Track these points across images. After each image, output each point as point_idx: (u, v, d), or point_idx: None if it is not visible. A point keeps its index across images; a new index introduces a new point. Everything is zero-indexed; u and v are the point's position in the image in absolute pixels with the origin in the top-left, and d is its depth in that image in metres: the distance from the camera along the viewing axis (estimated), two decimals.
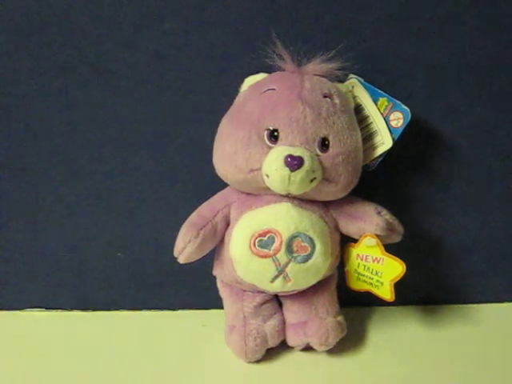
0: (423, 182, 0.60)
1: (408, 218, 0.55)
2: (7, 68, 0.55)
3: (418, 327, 0.59)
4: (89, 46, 0.55)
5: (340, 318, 0.55)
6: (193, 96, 0.56)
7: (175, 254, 0.52)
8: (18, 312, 0.62)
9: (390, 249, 0.52)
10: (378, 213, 0.53)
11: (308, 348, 0.54)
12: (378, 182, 0.57)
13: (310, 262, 0.51)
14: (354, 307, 0.60)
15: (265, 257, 0.50)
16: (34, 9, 0.53)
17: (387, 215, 0.53)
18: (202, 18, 0.54)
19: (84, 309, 0.62)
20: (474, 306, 0.62)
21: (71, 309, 0.62)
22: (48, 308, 0.62)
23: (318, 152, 0.48)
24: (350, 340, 0.56)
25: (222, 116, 0.52)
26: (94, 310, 0.62)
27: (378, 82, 0.53)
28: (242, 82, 0.52)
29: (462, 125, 0.58)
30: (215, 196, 0.54)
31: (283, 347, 0.55)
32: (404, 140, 0.53)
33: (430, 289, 0.63)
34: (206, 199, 0.54)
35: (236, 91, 0.52)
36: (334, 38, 0.52)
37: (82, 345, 0.56)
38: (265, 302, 0.55)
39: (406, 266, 0.51)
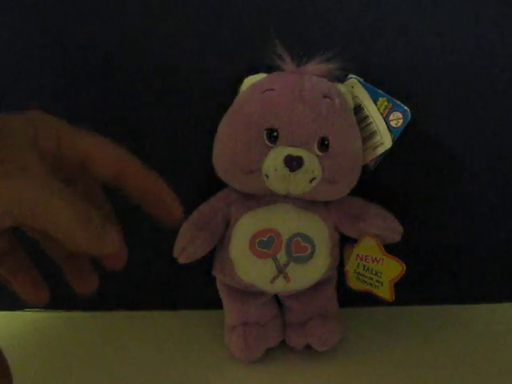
0: (423, 182, 0.59)
1: (408, 218, 0.55)
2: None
3: (418, 327, 0.59)
4: (88, 46, 0.55)
5: (340, 318, 0.55)
6: (192, 96, 0.56)
7: (175, 253, 0.52)
8: (18, 312, 0.61)
9: (390, 249, 0.52)
10: (378, 213, 0.53)
11: (308, 348, 0.54)
12: (377, 182, 0.57)
13: (310, 262, 0.51)
14: (354, 307, 0.60)
15: (265, 257, 0.50)
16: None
17: (387, 215, 0.54)
18: (202, 17, 0.53)
19: (84, 309, 0.62)
20: (474, 306, 0.62)
21: (71, 309, 0.62)
22: (48, 308, 0.62)
23: (318, 152, 0.48)
24: (350, 340, 0.56)
25: (222, 116, 0.52)
26: (93, 310, 0.62)
27: (377, 82, 0.52)
28: (241, 82, 0.52)
29: (462, 125, 0.57)
30: (215, 196, 0.54)
31: (283, 347, 0.55)
32: (404, 140, 0.53)
33: (429, 289, 0.63)
34: (206, 199, 0.54)
35: (236, 91, 0.52)
36: (334, 38, 0.53)
37: (81, 345, 0.56)
38: (265, 302, 0.55)
39: (406, 266, 0.51)
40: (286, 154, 0.47)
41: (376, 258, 0.52)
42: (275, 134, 0.48)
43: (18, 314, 0.61)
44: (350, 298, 0.56)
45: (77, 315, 0.61)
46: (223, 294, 0.56)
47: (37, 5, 0.53)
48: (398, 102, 0.52)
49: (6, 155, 0.26)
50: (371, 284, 0.54)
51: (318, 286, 0.54)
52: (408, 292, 0.56)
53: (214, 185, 0.54)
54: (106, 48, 0.55)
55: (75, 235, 0.27)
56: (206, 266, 0.56)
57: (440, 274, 0.63)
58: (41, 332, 0.59)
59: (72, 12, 0.53)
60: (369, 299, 0.55)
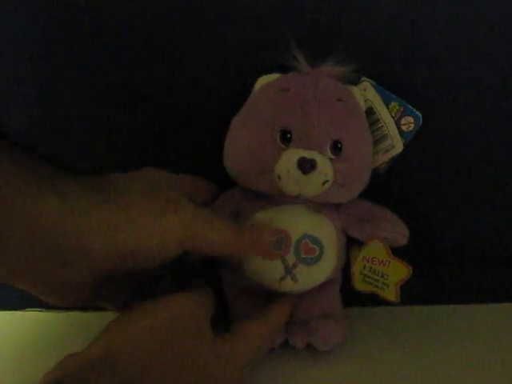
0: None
1: (413, 221, 0.55)
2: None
3: (419, 327, 0.60)
4: (89, 46, 0.54)
5: (342, 318, 0.55)
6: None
7: None
8: (17, 312, 0.60)
9: (392, 249, 0.52)
10: (386, 216, 0.54)
11: (309, 347, 0.54)
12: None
13: (318, 263, 0.51)
14: (356, 307, 0.61)
15: (273, 258, 0.50)
16: None
17: (394, 218, 0.54)
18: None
19: (84, 309, 0.61)
20: (474, 306, 0.63)
21: (71, 309, 0.61)
22: (48, 308, 0.60)
23: (331, 155, 0.48)
24: (351, 340, 0.56)
25: (234, 116, 0.51)
26: (94, 310, 0.60)
27: (390, 86, 0.53)
28: (255, 81, 0.51)
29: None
30: (224, 195, 0.54)
31: (284, 347, 0.55)
32: (413, 144, 0.53)
33: (429, 289, 0.64)
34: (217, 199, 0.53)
35: (249, 91, 0.51)
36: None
37: (81, 345, 0.55)
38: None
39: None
40: (299, 157, 0.46)
41: (383, 261, 0.53)
42: (288, 135, 0.47)
43: (17, 314, 0.60)
44: (352, 297, 0.56)
45: (77, 315, 0.60)
46: (229, 293, 0.56)
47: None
48: (410, 107, 0.52)
49: (160, 196, 0.32)
50: (377, 286, 0.54)
51: (322, 287, 0.54)
52: (408, 292, 0.57)
53: (223, 184, 0.53)
54: (111, 44, 0.54)
55: (234, 248, 0.36)
56: (210, 264, 0.55)
57: (441, 273, 0.64)
58: (41, 332, 0.58)
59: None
60: (370, 299, 0.55)
